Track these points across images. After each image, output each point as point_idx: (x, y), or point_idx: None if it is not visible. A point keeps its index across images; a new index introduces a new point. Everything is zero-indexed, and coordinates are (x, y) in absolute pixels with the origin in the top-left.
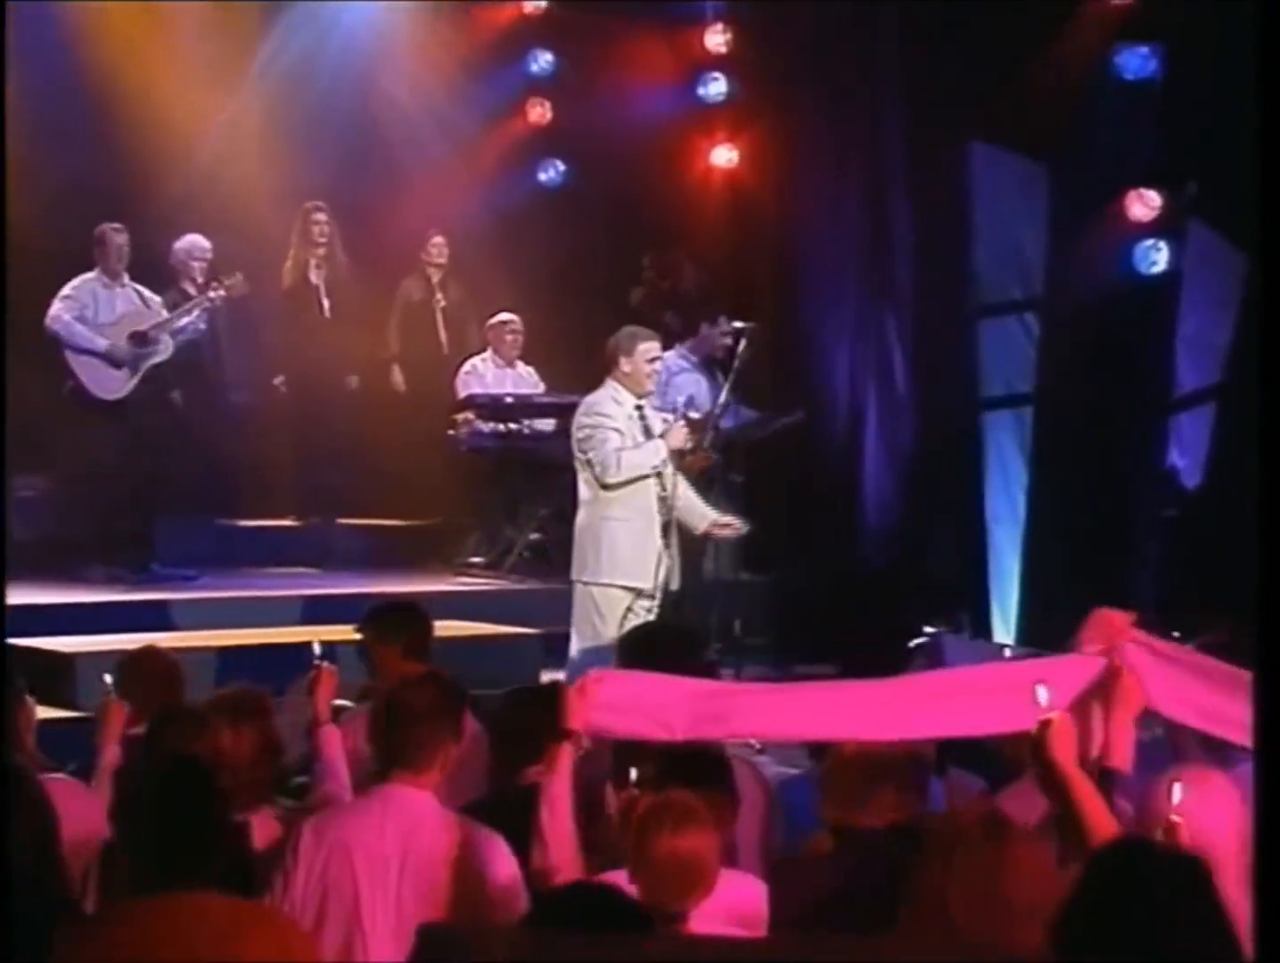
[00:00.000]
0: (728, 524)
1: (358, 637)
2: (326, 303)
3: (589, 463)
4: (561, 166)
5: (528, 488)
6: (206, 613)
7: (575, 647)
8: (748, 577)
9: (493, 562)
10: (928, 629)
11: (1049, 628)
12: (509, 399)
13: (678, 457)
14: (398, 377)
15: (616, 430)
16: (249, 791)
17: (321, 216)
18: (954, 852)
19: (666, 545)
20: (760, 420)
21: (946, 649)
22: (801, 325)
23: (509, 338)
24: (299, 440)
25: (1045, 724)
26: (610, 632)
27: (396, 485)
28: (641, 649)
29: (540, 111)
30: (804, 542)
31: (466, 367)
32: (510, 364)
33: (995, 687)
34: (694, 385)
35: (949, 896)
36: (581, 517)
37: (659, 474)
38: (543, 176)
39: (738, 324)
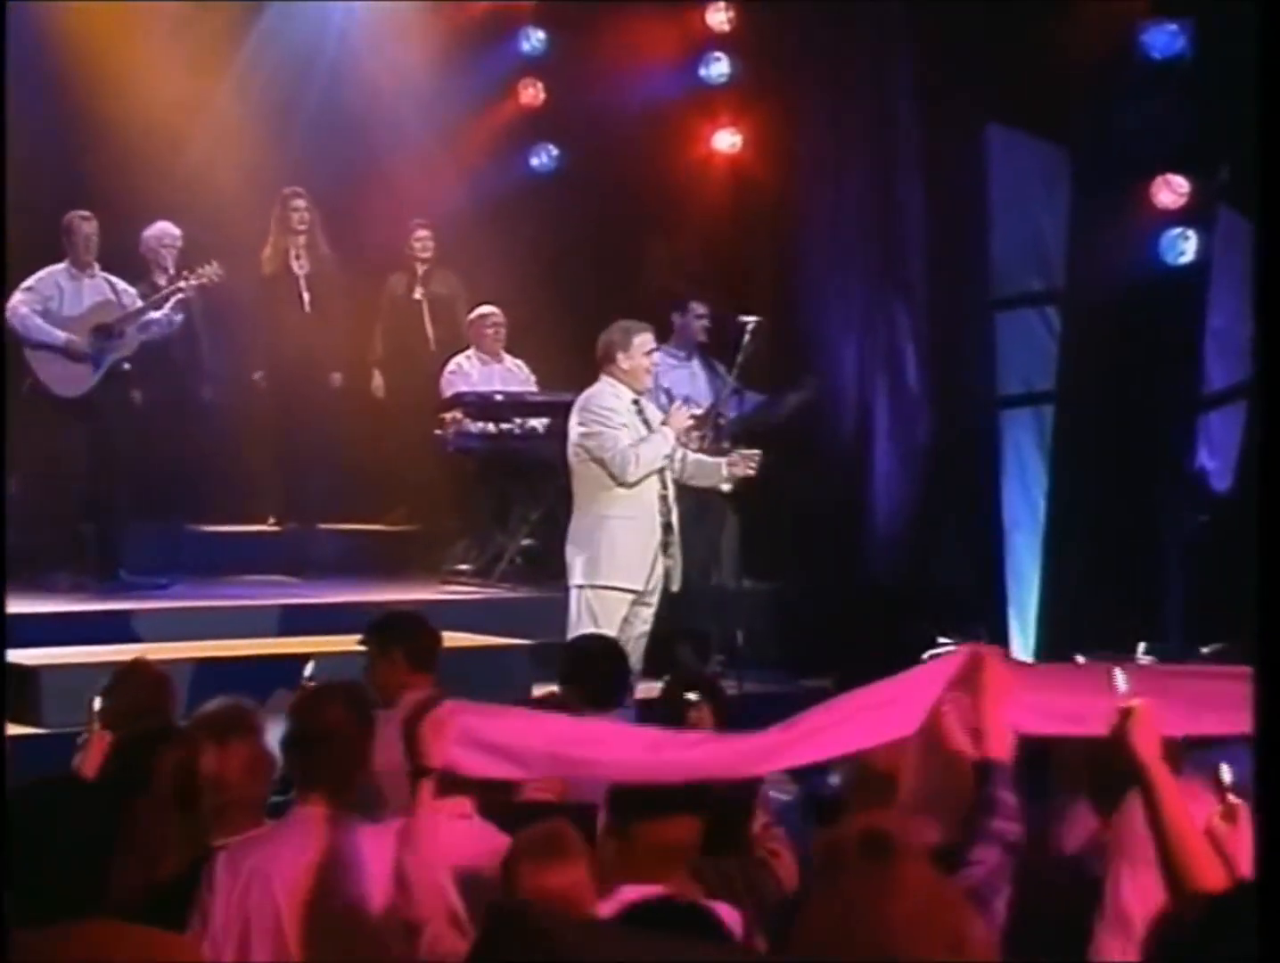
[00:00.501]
0: (743, 458)
1: (359, 645)
2: (307, 296)
3: (600, 462)
4: (555, 151)
5: (519, 490)
6: (178, 624)
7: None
8: (751, 584)
9: (482, 569)
10: (941, 641)
11: (1071, 640)
12: (499, 397)
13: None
14: (378, 382)
15: (623, 425)
16: (239, 811)
17: (300, 203)
18: (836, 872)
19: (667, 546)
20: (770, 403)
21: None
22: (807, 319)
23: (489, 331)
24: (277, 440)
25: (1126, 713)
26: None
27: (380, 488)
28: (580, 661)
29: (532, 93)
30: (810, 547)
31: (451, 365)
32: (496, 359)
33: (875, 702)
34: (687, 382)
35: (831, 916)
36: (578, 518)
37: (659, 472)
38: (535, 162)
39: (742, 318)
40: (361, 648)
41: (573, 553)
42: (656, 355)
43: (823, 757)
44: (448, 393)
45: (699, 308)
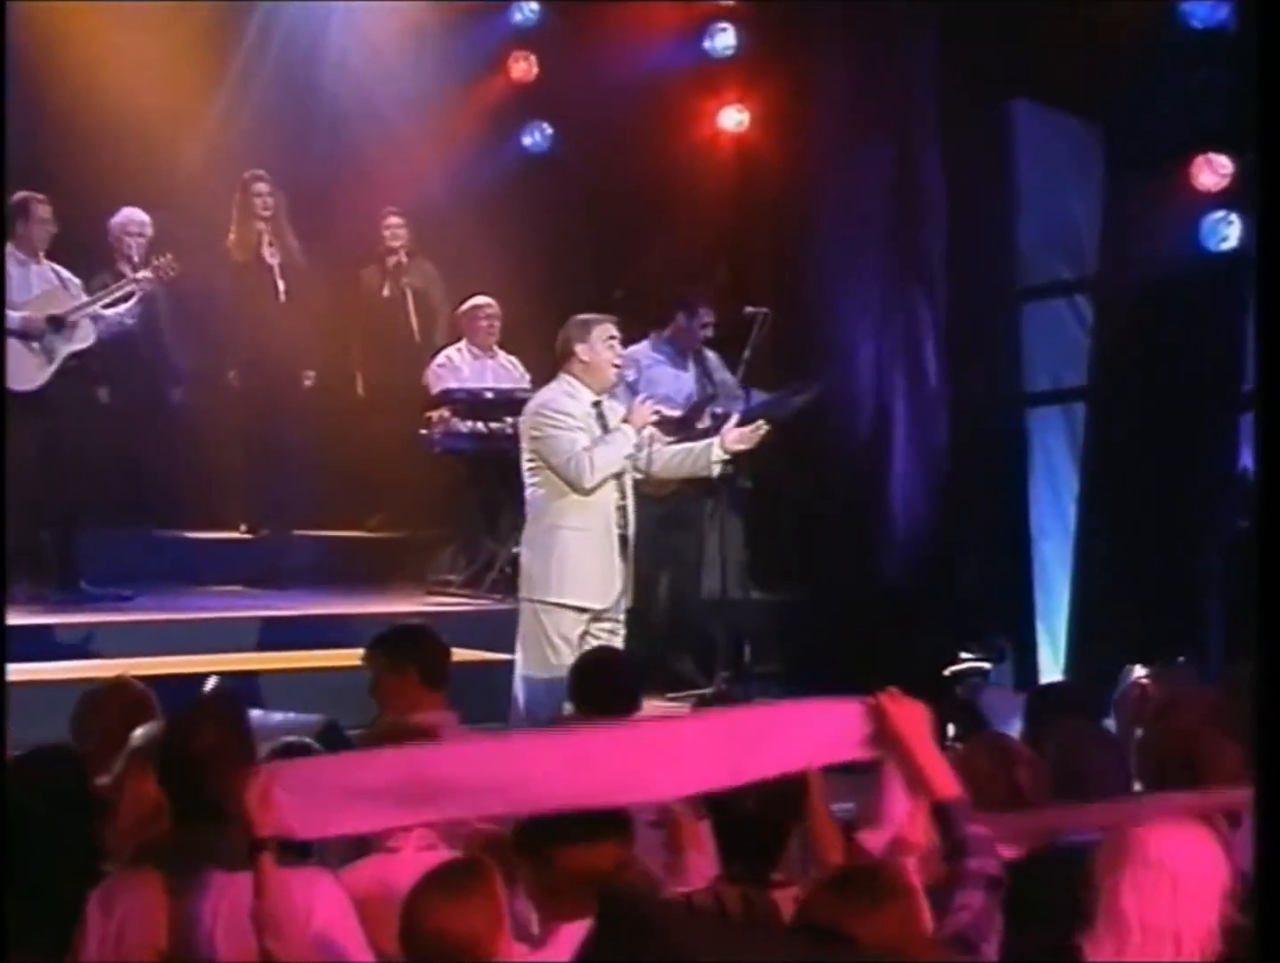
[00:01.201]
0: (741, 430)
1: (362, 662)
2: (282, 285)
3: (554, 469)
4: (548, 130)
5: (511, 495)
6: (144, 638)
7: (521, 678)
8: (758, 595)
9: (471, 579)
10: (964, 656)
11: (1104, 656)
12: (489, 394)
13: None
14: (360, 385)
15: (579, 428)
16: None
17: (263, 187)
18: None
19: (624, 560)
20: (775, 401)
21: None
22: (818, 311)
23: (484, 324)
24: (250, 441)
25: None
26: (562, 660)
27: (361, 492)
28: (595, 677)
29: (524, 67)
30: (821, 556)
31: (440, 359)
32: (489, 353)
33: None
34: (671, 381)
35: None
36: (530, 527)
37: (617, 478)
38: (527, 141)
39: (749, 309)
40: (360, 664)
41: (524, 564)
42: (642, 346)
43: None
44: (435, 389)
45: (708, 315)
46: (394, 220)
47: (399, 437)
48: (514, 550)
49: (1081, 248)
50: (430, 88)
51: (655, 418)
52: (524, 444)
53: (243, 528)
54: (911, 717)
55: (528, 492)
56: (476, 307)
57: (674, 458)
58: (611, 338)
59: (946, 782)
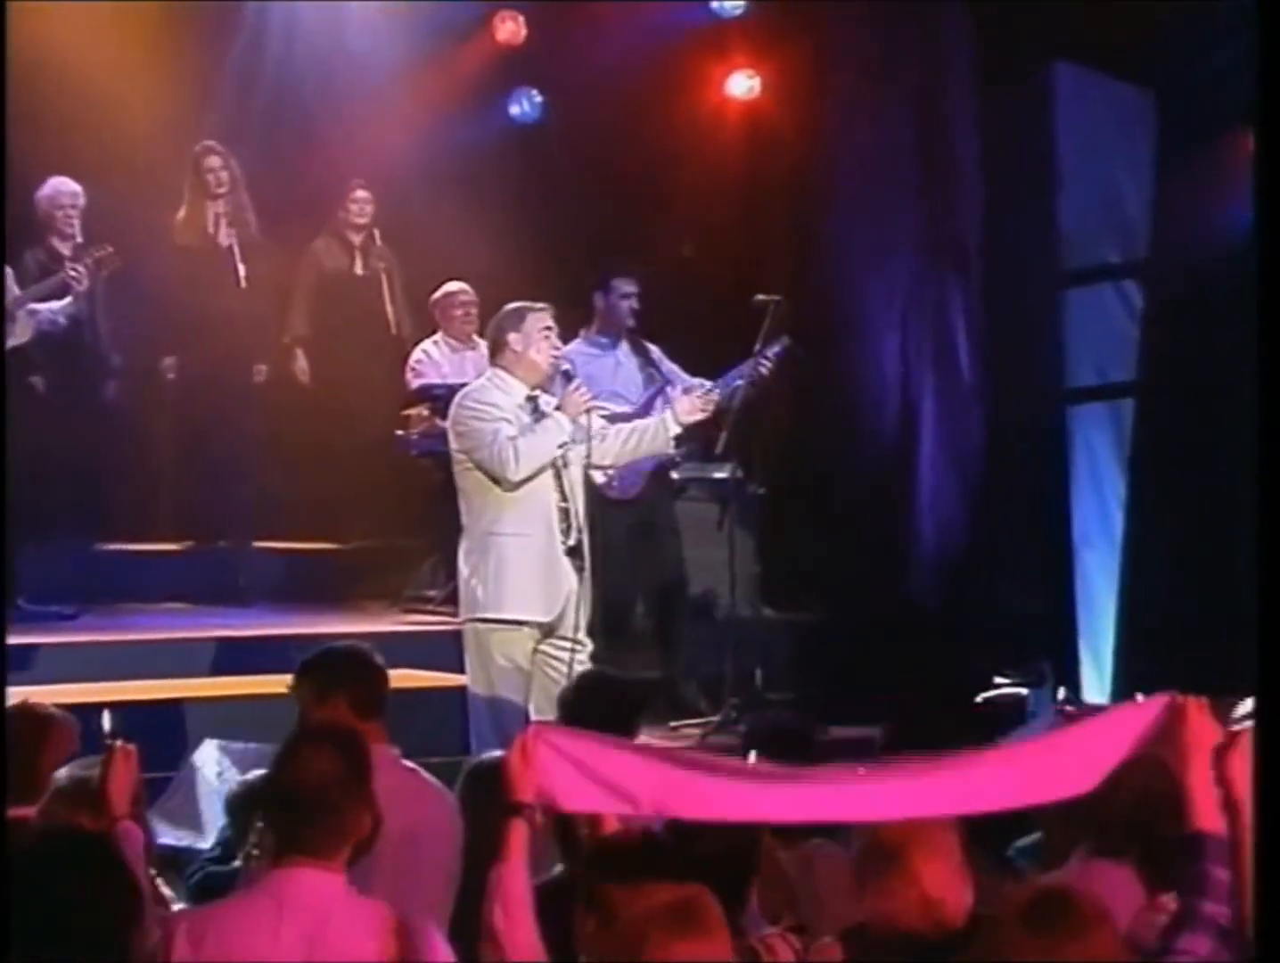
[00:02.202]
0: (699, 398)
1: (289, 691)
2: (243, 269)
3: (477, 464)
4: (537, 98)
5: None
6: (86, 660)
7: (470, 709)
8: (771, 614)
9: (451, 595)
10: (999, 681)
11: (1153, 678)
12: None
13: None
14: (301, 365)
15: (504, 420)
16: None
17: (215, 161)
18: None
19: (578, 568)
20: (747, 369)
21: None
22: (839, 298)
23: (459, 313)
24: (204, 443)
25: (1233, 738)
26: (510, 686)
27: (328, 500)
28: (586, 703)
29: (512, 29)
30: (841, 570)
31: (417, 354)
32: (468, 345)
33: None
34: (609, 375)
35: None
36: (465, 539)
37: (556, 476)
38: (514, 111)
39: (759, 297)
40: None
41: (462, 582)
42: (572, 346)
43: (981, 808)
44: (414, 386)
45: (625, 285)
46: (361, 194)
47: (373, 438)
48: None
49: (1130, 228)
50: (406, 51)
51: (588, 404)
52: (451, 444)
53: (195, 540)
54: (1206, 732)
55: (460, 498)
56: (449, 294)
57: (626, 443)
58: (547, 329)
59: (1212, 812)
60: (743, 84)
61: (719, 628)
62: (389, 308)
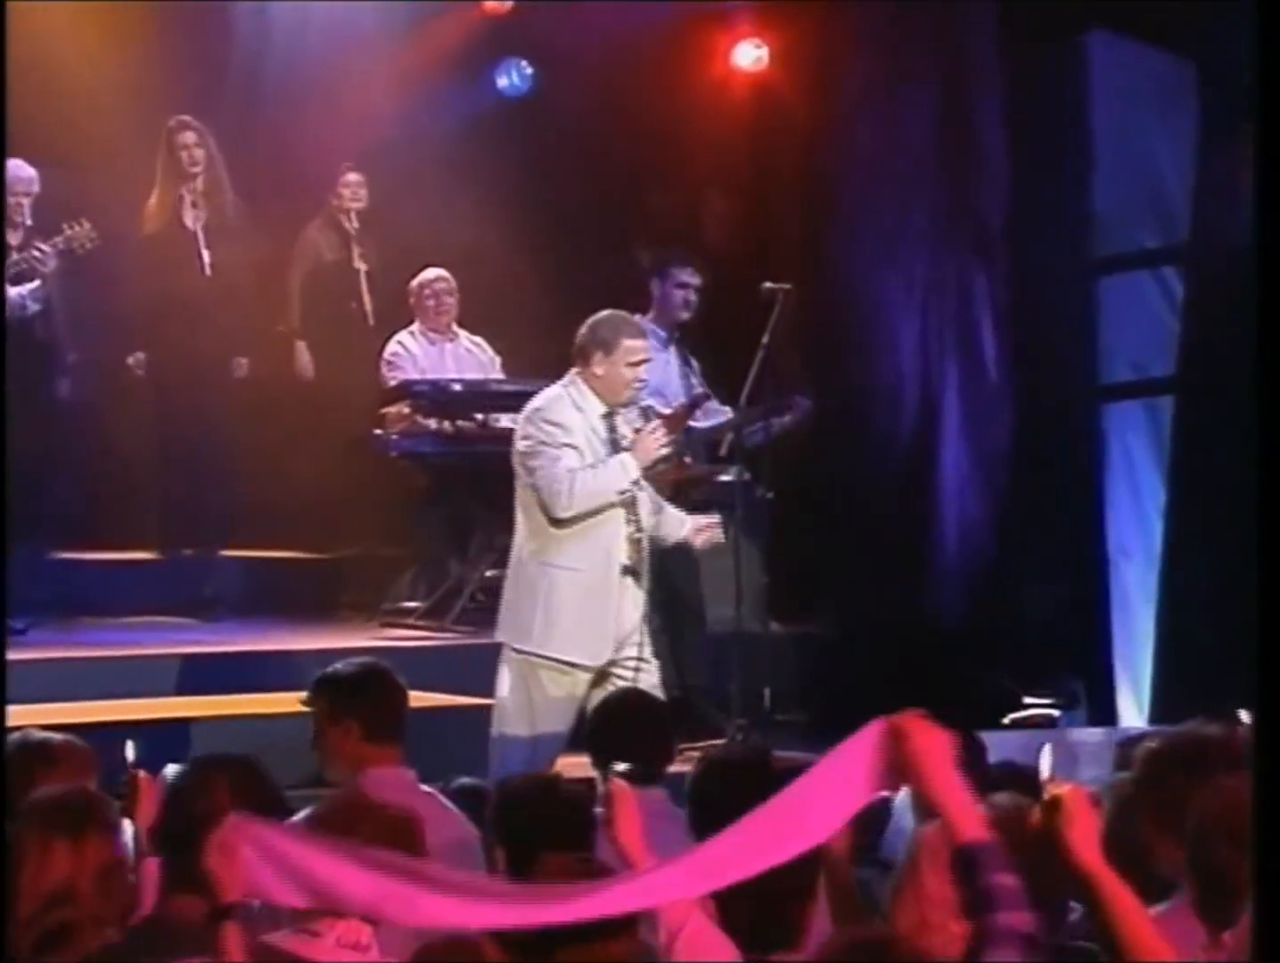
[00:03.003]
0: (708, 526)
1: (304, 704)
2: (207, 255)
3: (533, 487)
4: (527, 70)
5: (482, 507)
6: (40, 679)
7: (497, 733)
8: (780, 629)
9: (434, 608)
10: (1029, 702)
11: (1195, 700)
12: (457, 386)
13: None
14: (304, 359)
15: (571, 446)
16: (93, 931)
17: (190, 137)
18: None
19: (632, 602)
20: (739, 424)
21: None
22: (853, 286)
23: (430, 302)
24: (166, 444)
25: (1053, 803)
26: (556, 718)
27: (301, 505)
28: (622, 723)
29: None
30: (856, 581)
31: (392, 347)
32: (447, 336)
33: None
34: (660, 370)
35: None
36: (516, 556)
37: (627, 505)
38: (502, 83)
39: (767, 285)
40: (306, 709)
41: (507, 603)
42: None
43: (722, 882)
44: (391, 381)
45: (682, 274)
46: (353, 177)
47: (349, 439)
48: (486, 574)
49: (1170, 210)
50: (386, 20)
51: (665, 452)
52: (514, 454)
53: (158, 548)
54: (935, 744)
55: (517, 511)
56: (425, 282)
57: (662, 519)
58: (638, 363)
59: (971, 822)
60: (750, 54)
61: (723, 643)
62: (366, 299)
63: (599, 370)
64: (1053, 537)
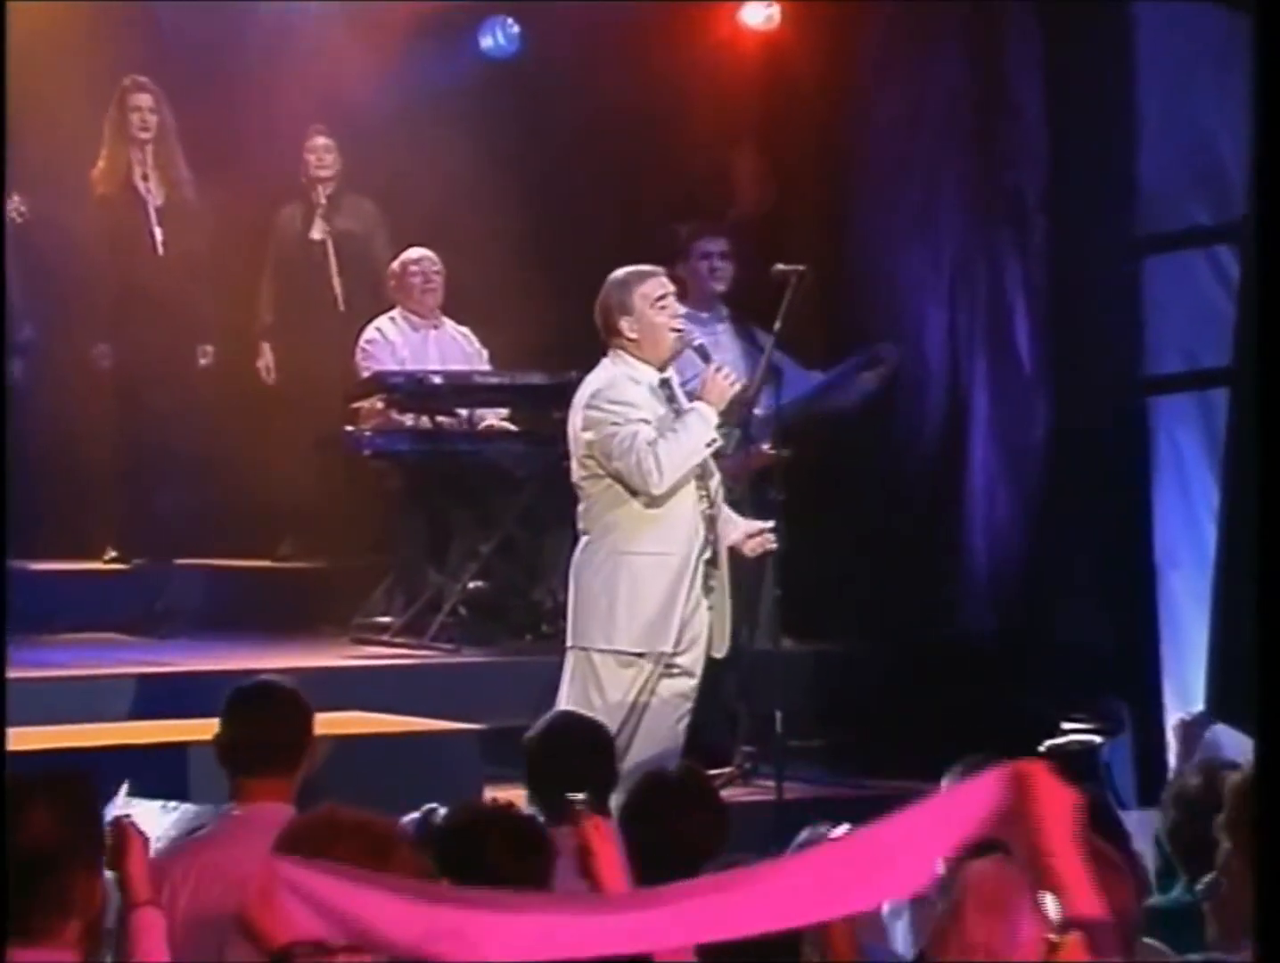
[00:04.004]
0: (760, 532)
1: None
2: (160, 233)
3: (616, 476)
4: (513, 28)
5: (464, 512)
6: None
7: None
8: (793, 646)
9: (411, 623)
10: (1068, 726)
11: (1252, 723)
12: (437, 378)
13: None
14: (267, 359)
15: (644, 421)
16: None
17: (144, 99)
18: None
19: (710, 591)
20: (833, 385)
21: None
22: (874, 268)
23: (416, 281)
24: (120, 441)
25: (1053, 949)
26: (614, 723)
27: (266, 510)
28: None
29: None
30: (877, 593)
31: (369, 332)
32: (431, 322)
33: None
34: (714, 350)
35: None
36: (585, 553)
37: (701, 477)
38: (486, 43)
39: (780, 267)
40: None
41: (578, 605)
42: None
43: (798, 921)
44: (365, 372)
45: (706, 244)
46: (321, 141)
47: (318, 435)
48: (469, 586)
49: (1225, 183)
50: None
51: (737, 388)
52: (575, 448)
53: (110, 556)
54: (1058, 801)
55: (581, 505)
56: (410, 262)
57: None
58: (661, 297)
59: (1087, 896)
60: (759, 12)
61: (730, 662)
62: (335, 280)
63: (632, 334)
64: (1093, 544)
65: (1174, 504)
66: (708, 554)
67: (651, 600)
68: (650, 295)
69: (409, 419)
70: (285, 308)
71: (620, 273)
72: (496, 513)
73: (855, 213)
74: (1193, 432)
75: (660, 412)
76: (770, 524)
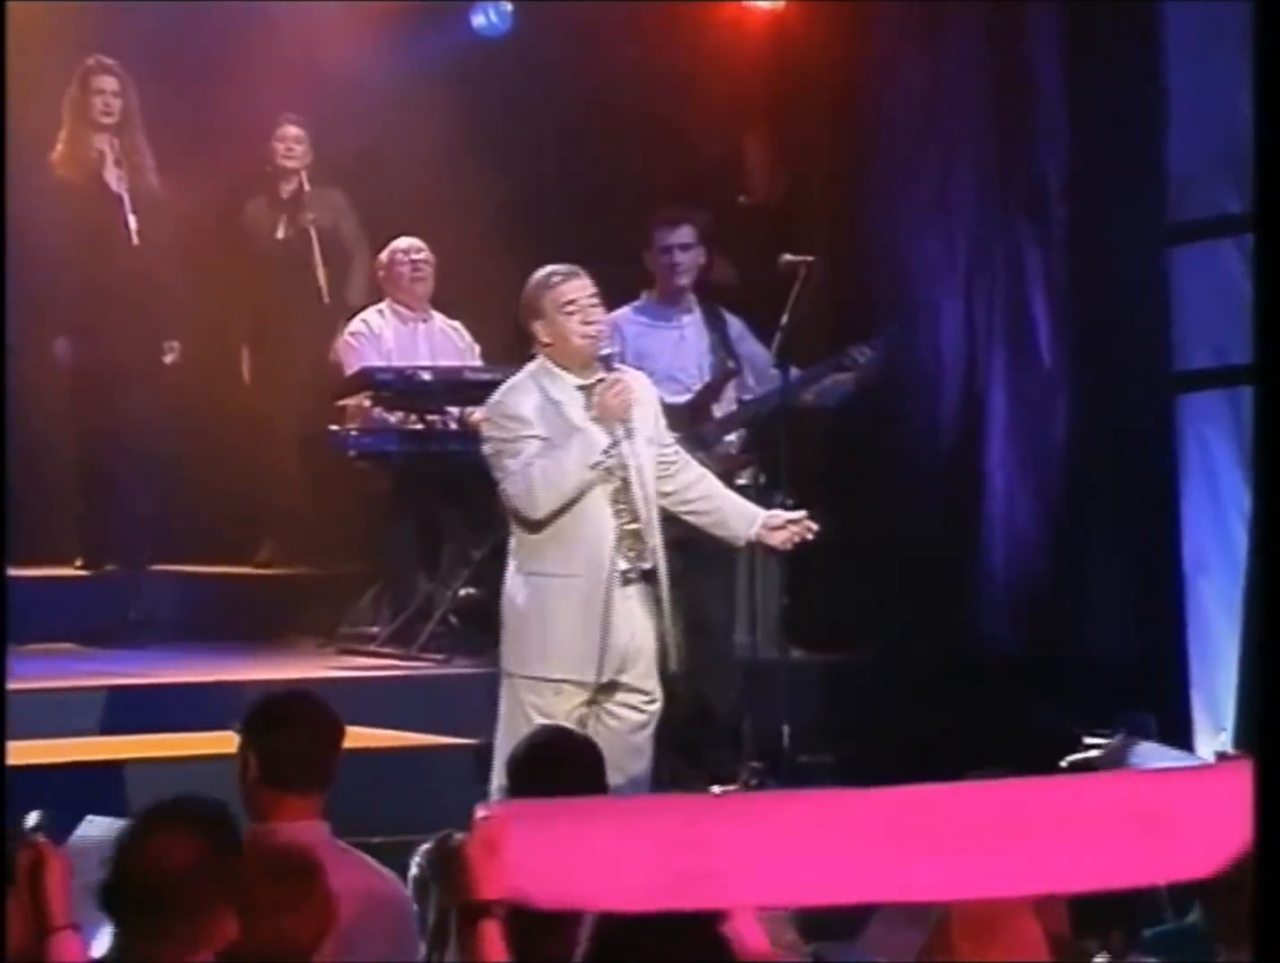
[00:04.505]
0: (790, 521)
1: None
2: (134, 222)
3: (503, 496)
4: (506, 6)
5: (455, 516)
6: None
7: (499, 774)
8: (801, 656)
9: (399, 632)
10: (1091, 742)
11: None
12: (426, 374)
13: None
14: (246, 362)
15: (533, 437)
16: None
17: (109, 83)
18: None
19: (654, 600)
20: (803, 381)
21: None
22: (887, 256)
23: (406, 270)
24: (88, 441)
25: None
26: None
27: (246, 513)
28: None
29: None
30: (889, 602)
31: (354, 325)
32: (420, 315)
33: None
34: (669, 350)
35: None
36: (509, 572)
37: (622, 491)
38: (477, 21)
39: (787, 257)
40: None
41: (503, 622)
42: (621, 312)
43: (1069, 888)
44: (351, 367)
45: (673, 234)
46: (292, 130)
47: (300, 435)
48: (460, 592)
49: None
50: None
51: (629, 405)
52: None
53: (78, 563)
54: None
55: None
56: (400, 252)
57: (717, 505)
58: (569, 302)
59: None
60: None
61: (737, 673)
62: (319, 272)
63: (546, 338)
64: (1118, 550)
65: (1203, 507)
66: (645, 566)
67: (563, 626)
68: (559, 300)
69: (397, 417)
70: (264, 306)
71: (539, 274)
72: (490, 516)
73: (867, 200)
74: (1222, 431)
75: (561, 427)
76: (801, 512)
